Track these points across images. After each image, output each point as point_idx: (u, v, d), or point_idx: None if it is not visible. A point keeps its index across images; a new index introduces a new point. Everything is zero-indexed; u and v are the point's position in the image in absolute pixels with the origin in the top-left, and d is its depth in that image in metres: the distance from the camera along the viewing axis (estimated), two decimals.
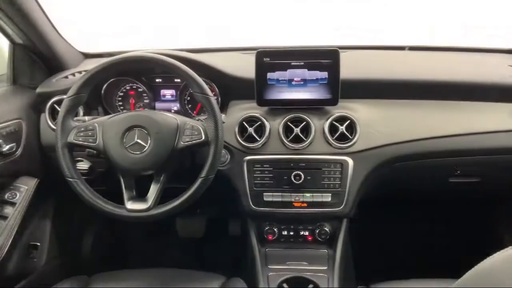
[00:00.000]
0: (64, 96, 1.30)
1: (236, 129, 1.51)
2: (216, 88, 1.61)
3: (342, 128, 1.48)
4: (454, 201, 2.17)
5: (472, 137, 1.52)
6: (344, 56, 1.45)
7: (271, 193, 1.51)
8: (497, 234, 2.06)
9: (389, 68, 1.64)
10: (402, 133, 1.51)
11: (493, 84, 1.55)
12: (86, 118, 1.39)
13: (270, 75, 1.48)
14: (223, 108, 1.61)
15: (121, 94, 1.70)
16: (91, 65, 1.35)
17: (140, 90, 1.69)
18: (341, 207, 1.50)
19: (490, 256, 0.61)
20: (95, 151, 1.35)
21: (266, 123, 1.50)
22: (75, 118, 1.35)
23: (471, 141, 1.52)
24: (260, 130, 1.51)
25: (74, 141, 1.28)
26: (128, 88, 1.69)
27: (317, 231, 1.57)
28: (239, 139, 1.50)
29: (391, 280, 1.36)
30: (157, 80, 1.69)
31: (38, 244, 1.82)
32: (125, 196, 1.28)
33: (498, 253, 0.61)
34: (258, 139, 1.49)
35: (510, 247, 0.59)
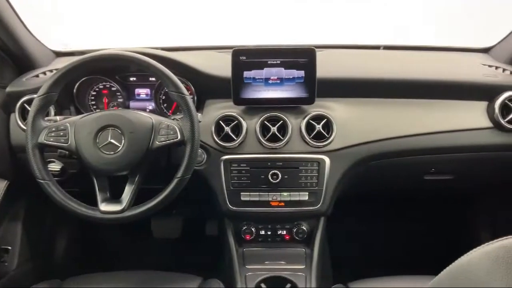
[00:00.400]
0: (35, 96, 1.27)
1: (213, 129, 1.49)
2: (192, 87, 1.59)
3: (318, 127, 1.48)
4: (431, 199, 2.20)
5: (446, 135, 1.54)
6: (320, 55, 1.45)
7: (248, 193, 1.50)
8: (473, 231, 2.09)
9: (365, 67, 1.65)
10: (378, 131, 1.53)
11: (467, 82, 1.57)
12: (58, 118, 1.35)
13: (246, 73, 1.46)
14: (199, 107, 1.59)
15: (94, 93, 1.66)
16: (63, 63, 1.31)
17: (113, 89, 1.65)
18: (318, 205, 1.51)
19: (467, 253, 0.61)
20: (67, 152, 1.32)
21: (243, 122, 1.49)
22: (46, 118, 1.32)
23: (445, 139, 1.54)
24: (237, 129, 1.50)
25: (45, 141, 1.24)
26: (101, 87, 1.66)
27: (295, 230, 1.57)
28: (216, 138, 1.48)
29: (368, 278, 1.36)
30: (131, 78, 1.66)
31: (9, 247, 1.77)
32: (99, 197, 1.26)
33: (474, 249, 0.61)
34: (235, 139, 1.48)
35: (486, 243, 0.60)
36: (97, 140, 1.24)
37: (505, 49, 1.75)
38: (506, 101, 1.52)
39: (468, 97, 1.58)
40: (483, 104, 1.57)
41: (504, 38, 1.77)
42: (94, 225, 1.66)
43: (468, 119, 1.56)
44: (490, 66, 1.67)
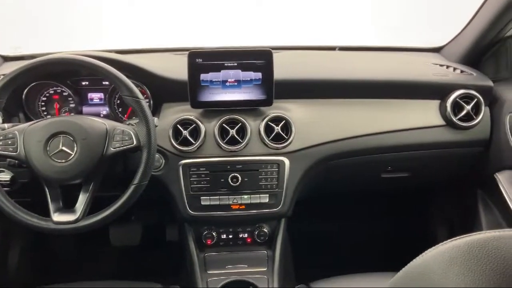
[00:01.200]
0: None
1: (170, 133, 1.46)
2: (148, 91, 1.56)
3: (277, 129, 1.47)
4: (391, 198, 2.24)
5: (401, 134, 1.57)
6: (277, 56, 1.45)
7: (208, 197, 1.48)
8: (432, 227, 2.14)
9: (321, 68, 1.67)
10: (335, 131, 1.54)
11: (419, 82, 1.61)
12: (6, 125, 1.29)
13: (203, 76, 1.44)
14: (156, 111, 1.55)
15: (44, 98, 1.60)
16: (11, 68, 1.26)
17: (65, 94, 1.59)
18: (279, 207, 1.50)
19: (422, 254, 0.62)
20: (16, 161, 1.27)
21: (201, 125, 1.47)
22: None
23: (401, 137, 1.57)
24: (195, 132, 1.47)
25: None
26: (51, 92, 1.59)
27: (256, 232, 1.56)
28: (174, 142, 1.46)
29: (330, 277, 1.37)
30: (83, 83, 1.60)
31: None
32: (51, 207, 1.21)
33: (429, 250, 0.61)
34: (193, 142, 1.46)
35: (440, 244, 0.60)
36: (48, 148, 1.19)
37: (455, 48, 1.81)
38: (457, 99, 1.56)
39: (421, 96, 1.62)
40: (436, 103, 1.62)
41: (454, 38, 1.82)
42: (48, 235, 1.60)
43: (421, 117, 1.60)
44: (441, 65, 1.71)
